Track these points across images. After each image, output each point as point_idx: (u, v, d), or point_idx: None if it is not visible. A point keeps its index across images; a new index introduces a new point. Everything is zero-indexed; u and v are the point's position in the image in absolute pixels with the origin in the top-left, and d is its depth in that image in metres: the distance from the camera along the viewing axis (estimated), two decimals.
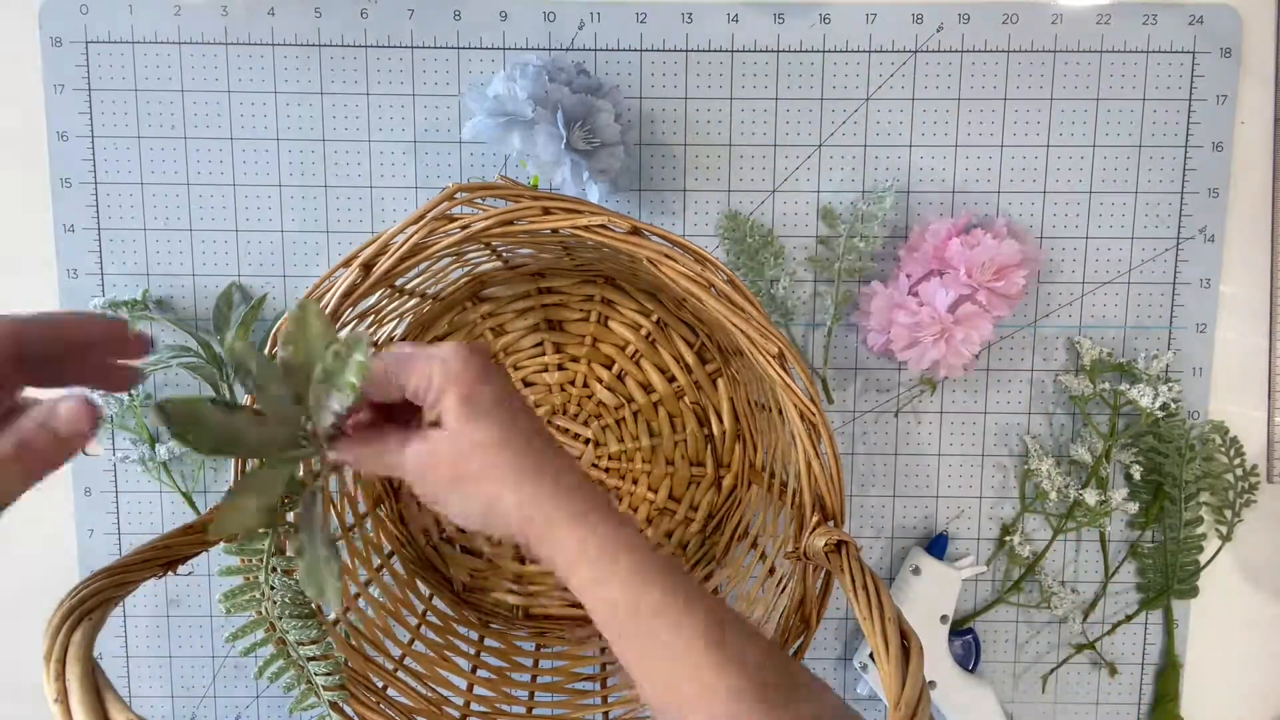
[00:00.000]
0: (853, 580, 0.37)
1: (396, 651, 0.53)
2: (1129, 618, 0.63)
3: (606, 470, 0.61)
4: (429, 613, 0.58)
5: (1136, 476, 0.60)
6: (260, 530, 0.38)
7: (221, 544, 0.39)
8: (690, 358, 0.60)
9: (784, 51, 0.59)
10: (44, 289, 0.60)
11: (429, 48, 0.59)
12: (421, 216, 0.40)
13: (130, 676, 0.63)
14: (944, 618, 0.60)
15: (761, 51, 0.59)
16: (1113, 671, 0.63)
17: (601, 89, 0.54)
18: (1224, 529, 0.61)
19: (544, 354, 0.60)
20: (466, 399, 0.35)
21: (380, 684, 0.48)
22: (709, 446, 0.61)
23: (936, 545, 0.61)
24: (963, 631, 0.62)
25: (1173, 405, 0.59)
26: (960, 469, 0.62)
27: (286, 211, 0.60)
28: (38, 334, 0.33)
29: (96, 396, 0.59)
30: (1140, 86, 0.59)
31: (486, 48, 0.59)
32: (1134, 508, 0.60)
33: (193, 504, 0.61)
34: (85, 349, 0.34)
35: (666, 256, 0.40)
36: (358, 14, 0.58)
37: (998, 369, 0.62)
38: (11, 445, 0.33)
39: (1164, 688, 0.63)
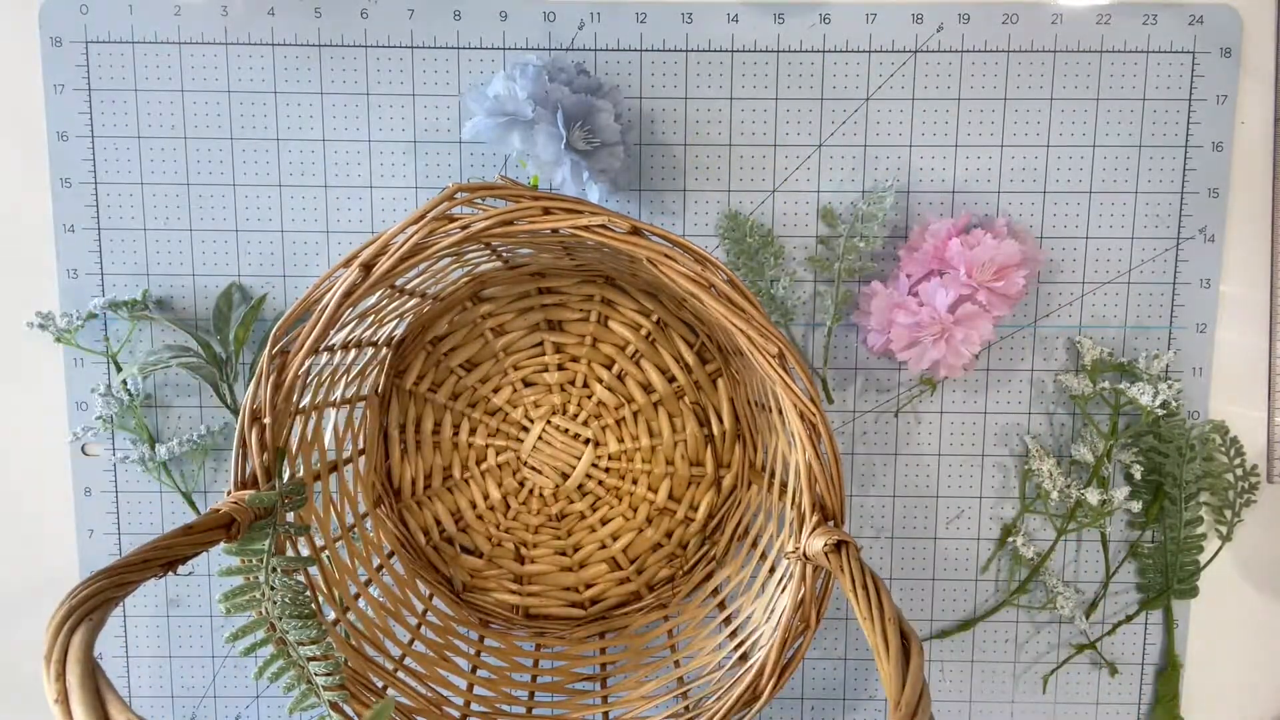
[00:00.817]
0: (853, 580, 0.37)
1: (396, 651, 0.53)
2: (1129, 618, 0.63)
3: (606, 470, 0.61)
4: (429, 613, 0.58)
5: (1137, 476, 0.60)
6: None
7: (221, 544, 0.39)
8: (690, 358, 0.60)
9: (784, 51, 0.59)
10: (44, 289, 0.60)
11: (429, 48, 0.59)
12: (422, 216, 0.39)
13: (130, 676, 0.63)
14: None
15: (761, 51, 0.59)
16: (1113, 671, 0.63)
17: (601, 89, 0.54)
18: (1224, 529, 0.61)
19: (544, 354, 0.60)
20: None
21: (380, 684, 0.48)
22: (709, 446, 0.61)
23: None
24: None
25: (1173, 404, 0.59)
26: (960, 469, 0.62)
27: (286, 211, 0.60)
28: None
29: (96, 396, 0.59)
30: (1140, 86, 0.59)
31: (486, 48, 0.59)
32: (1136, 507, 0.60)
33: (193, 504, 0.61)
34: None
35: (666, 256, 0.40)
36: (358, 14, 0.58)
37: (998, 369, 0.62)
38: None
39: (1164, 688, 0.63)
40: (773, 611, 0.48)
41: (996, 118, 0.59)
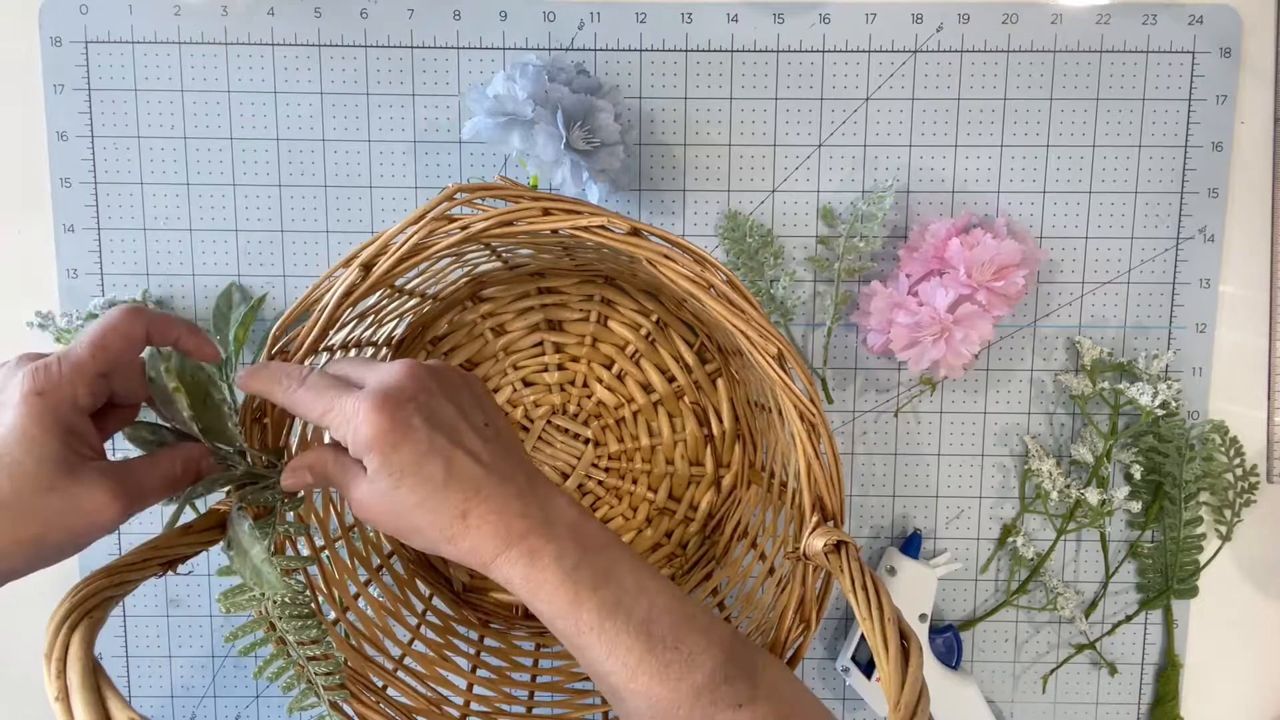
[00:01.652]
0: (852, 581, 0.37)
1: (396, 651, 0.53)
2: (1129, 618, 0.63)
3: (606, 470, 0.61)
4: (429, 612, 0.58)
5: (1137, 476, 0.60)
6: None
7: (221, 544, 0.40)
8: (690, 357, 0.60)
9: (784, 51, 0.59)
10: (44, 289, 0.60)
11: (429, 48, 0.59)
12: (421, 217, 0.39)
13: (130, 676, 0.63)
14: (922, 616, 0.60)
15: (761, 51, 0.59)
16: (1113, 671, 0.63)
17: (601, 89, 0.54)
18: (1224, 529, 0.61)
19: (544, 354, 0.60)
20: (384, 464, 0.36)
21: (380, 684, 0.48)
22: (709, 446, 0.61)
23: (911, 544, 0.61)
24: (943, 629, 0.62)
25: (1173, 404, 0.59)
26: (960, 469, 0.62)
27: (286, 211, 0.60)
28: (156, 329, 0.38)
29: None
30: (1140, 86, 0.59)
31: (486, 48, 0.59)
32: (1137, 507, 0.60)
33: (193, 504, 0.61)
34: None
35: (666, 257, 0.40)
36: (358, 14, 0.58)
37: (998, 369, 0.62)
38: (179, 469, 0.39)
39: (1164, 688, 0.63)
40: (772, 611, 0.48)
41: (996, 118, 0.59)
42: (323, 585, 0.48)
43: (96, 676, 0.27)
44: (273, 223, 0.60)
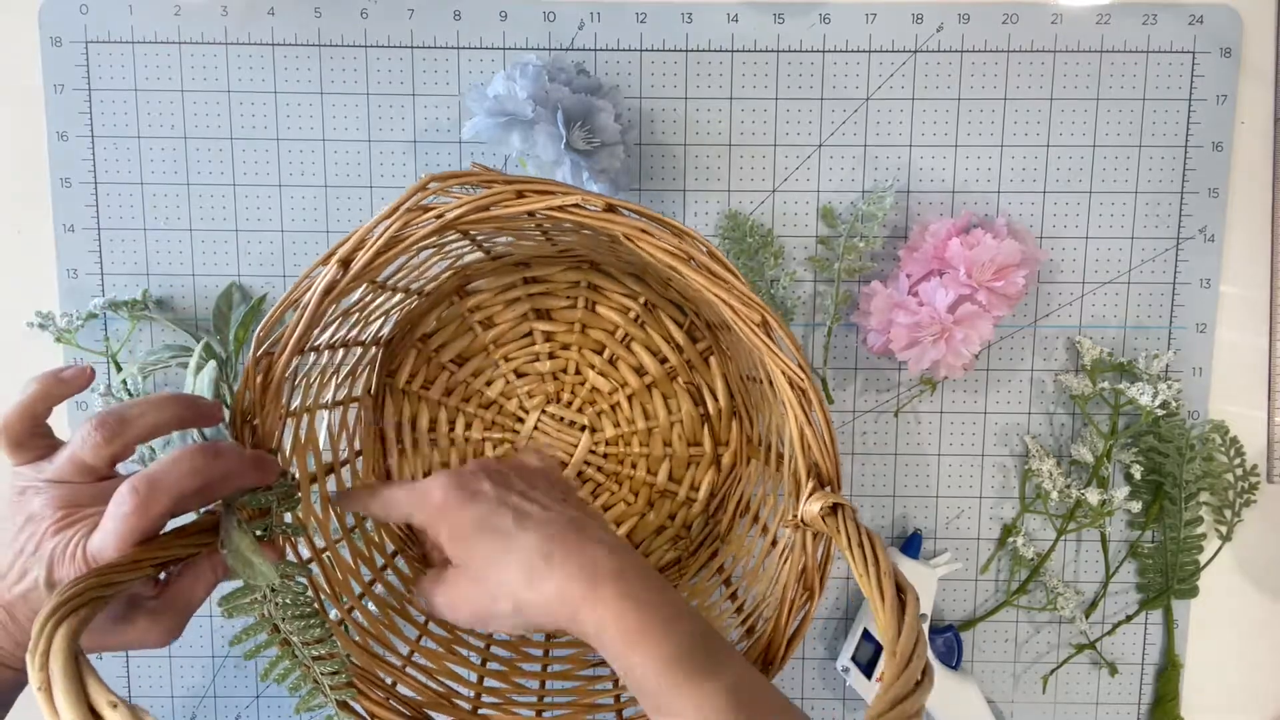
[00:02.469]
0: (849, 539, 0.37)
1: (405, 648, 0.52)
2: (1129, 618, 0.63)
3: (605, 456, 0.61)
4: None
5: (1137, 476, 0.60)
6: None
7: (216, 545, 0.39)
8: (680, 337, 0.60)
9: (784, 51, 0.59)
10: (44, 289, 0.60)
11: (429, 48, 0.59)
12: (396, 208, 0.39)
13: (130, 676, 0.63)
14: (923, 616, 0.60)
15: (761, 51, 0.59)
16: (1113, 671, 0.63)
17: (601, 89, 0.54)
18: (1224, 529, 0.61)
19: (534, 344, 0.60)
20: (454, 528, 0.39)
21: (390, 680, 0.48)
22: (705, 425, 0.61)
23: (911, 545, 0.61)
24: (943, 629, 0.62)
25: (1173, 404, 0.59)
26: (960, 469, 0.62)
27: (286, 211, 0.60)
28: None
29: (96, 396, 0.59)
30: (1140, 86, 0.59)
31: (486, 48, 0.59)
32: (1137, 507, 0.60)
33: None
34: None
35: (643, 231, 0.39)
36: (358, 14, 0.58)
37: (998, 369, 0.62)
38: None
39: (1164, 688, 0.63)
40: (776, 583, 0.47)
41: (996, 118, 0.59)
42: (325, 586, 0.48)
43: (79, 665, 0.27)
44: (273, 223, 0.60)
